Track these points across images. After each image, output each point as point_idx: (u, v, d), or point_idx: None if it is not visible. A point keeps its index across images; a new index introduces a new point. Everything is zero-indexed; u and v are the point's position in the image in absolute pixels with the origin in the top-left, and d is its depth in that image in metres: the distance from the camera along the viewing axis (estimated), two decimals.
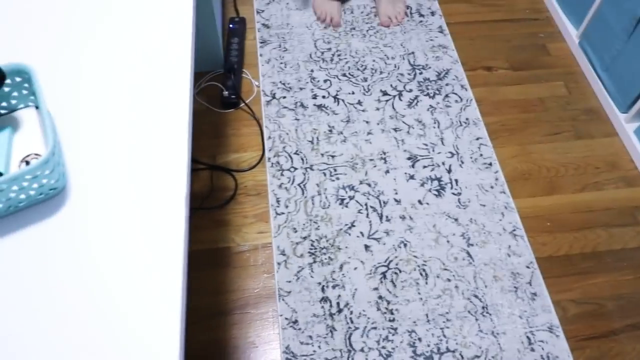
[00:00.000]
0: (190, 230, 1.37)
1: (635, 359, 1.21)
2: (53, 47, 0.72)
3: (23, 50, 0.71)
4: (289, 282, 1.29)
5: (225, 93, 1.57)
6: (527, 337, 1.21)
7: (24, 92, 0.62)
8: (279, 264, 1.32)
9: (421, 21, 1.81)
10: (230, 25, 1.72)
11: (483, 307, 1.25)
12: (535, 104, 1.64)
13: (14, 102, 0.63)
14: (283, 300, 1.27)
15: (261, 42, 1.74)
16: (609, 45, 1.56)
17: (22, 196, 0.55)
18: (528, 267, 1.31)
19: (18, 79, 0.61)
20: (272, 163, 1.47)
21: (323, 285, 1.28)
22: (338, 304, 1.26)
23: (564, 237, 1.38)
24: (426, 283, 1.29)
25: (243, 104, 1.58)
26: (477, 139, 1.53)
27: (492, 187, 1.43)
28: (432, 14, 1.84)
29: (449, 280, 1.29)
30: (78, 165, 0.61)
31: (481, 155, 1.49)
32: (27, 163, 0.59)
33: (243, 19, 1.76)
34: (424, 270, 1.30)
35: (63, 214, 0.57)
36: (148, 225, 0.57)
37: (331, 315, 1.24)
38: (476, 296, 1.27)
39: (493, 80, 1.69)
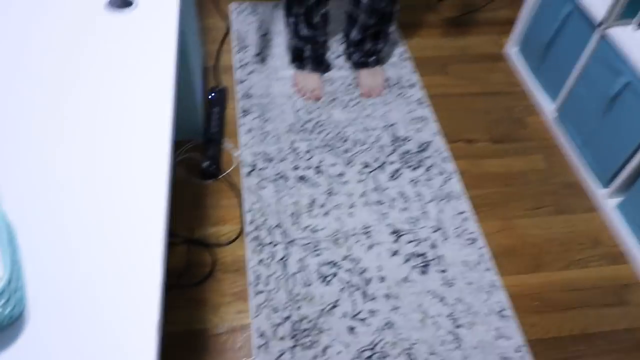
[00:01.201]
0: (165, 310, 1.28)
1: None
2: (9, 144, 0.66)
3: None
4: None
5: (205, 163, 1.52)
6: None
7: None
8: (258, 347, 1.23)
9: (400, 93, 1.83)
10: (211, 95, 1.69)
11: None
12: (516, 178, 1.64)
13: None
14: None
15: (242, 112, 1.71)
16: (585, 121, 1.58)
17: None
18: (517, 351, 1.25)
19: None
20: (252, 237, 1.41)
21: None
22: None
23: (552, 318, 1.33)
24: None
25: (223, 175, 1.53)
26: (460, 213, 1.50)
27: (477, 263, 1.39)
28: (412, 86, 1.86)
29: None
30: (41, 282, 0.54)
31: (465, 230, 1.46)
32: None
33: (224, 89, 1.74)
34: (410, 354, 1.23)
35: (20, 345, 0.50)
36: (117, 346, 0.51)
37: None
38: None
39: (474, 153, 1.69)
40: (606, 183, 1.53)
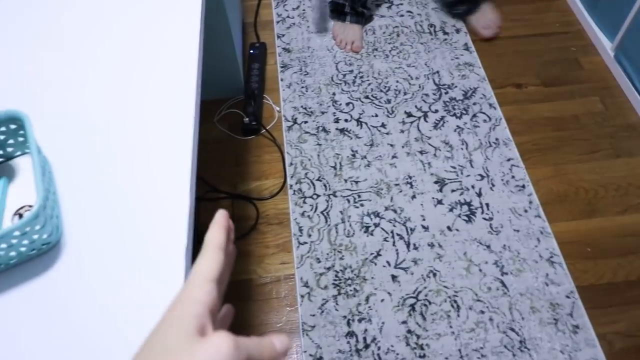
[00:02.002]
0: None
1: None
2: (49, 89, 0.68)
3: (19, 96, 0.67)
4: (313, 315, 1.22)
5: (246, 120, 1.53)
6: None
7: (20, 139, 0.59)
8: (302, 296, 1.25)
9: (445, 39, 1.74)
10: (251, 51, 1.68)
11: (520, 342, 1.16)
12: (570, 122, 1.54)
13: (10, 149, 0.59)
14: (307, 335, 1.20)
15: (282, 67, 1.69)
16: None
17: (13, 253, 0.50)
18: (568, 296, 1.21)
19: (13, 126, 0.57)
20: (294, 190, 1.42)
21: (349, 319, 1.21)
22: (365, 338, 1.19)
23: (606, 264, 1.27)
24: (458, 315, 1.20)
25: (264, 131, 1.54)
26: (508, 160, 1.44)
27: (525, 210, 1.34)
28: (457, 31, 1.77)
29: (482, 312, 1.20)
30: (77, 214, 0.56)
31: (513, 177, 1.40)
32: (21, 216, 0.55)
33: (264, 44, 1.72)
34: (455, 301, 1.22)
35: (57, 269, 0.53)
36: (148, 275, 0.52)
37: (357, 351, 1.17)
38: (512, 329, 1.17)
39: (523, 98, 1.60)
40: None
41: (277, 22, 1.82)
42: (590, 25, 1.73)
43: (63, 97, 0.67)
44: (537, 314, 1.19)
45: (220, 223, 0.40)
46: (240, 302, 1.25)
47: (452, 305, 1.21)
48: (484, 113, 1.54)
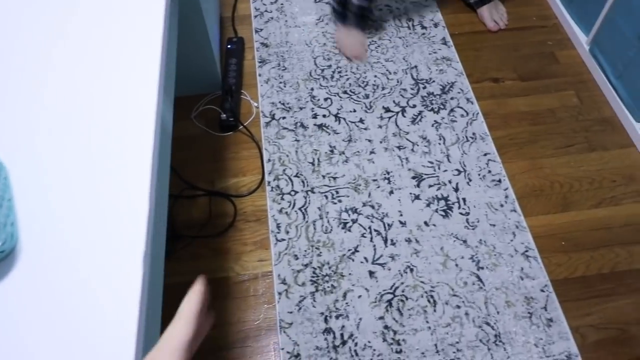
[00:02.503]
0: (189, 260, 1.29)
1: None
2: (4, 91, 0.65)
3: None
4: (291, 312, 1.21)
5: (223, 116, 1.50)
6: None
7: None
8: (279, 293, 1.24)
9: (424, 33, 1.73)
10: (228, 46, 1.65)
11: (496, 336, 1.16)
12: (546, 116, 1.54)
13: None
14: (284, 332, 1.19)
15: (260, 62, 1.67)
16: (621, 52, 1.46)
17: None
18: (543, 290, 1.21)
19: None
20: (272, 187, 1.40)
21: (326, 316, 1.20)
22: (342, 335, 1.18)
23: (580, 257, 1.28)
24: (434, 310, 1.20)
25: (242, 127, 1.51)
26: (485, 154, 1.44)
27: (501, 205, 1.34)
28: (435, 25, 1.76)
29: (458, 307, 1.20)
30: (36, 220, 0.54)
31: (489, 171, 1.40)
32: None
33: (241, 39, 1.69)
34: (431, 296, 1.22)
35: (12, 279, 0.51)
36: (104, 281, 0.50)
37: (335, 347, 1.16)
38: (488, 323, 1.18)
39: (500, 92, 1.60)
40: None
41: (255, 16, 1.79)
42: (566, 19, 1.73)
43: (21, 99, 0.64)
44: (512, 308, 1.19)
45: (197, 291, 0.40)
46: (217, 301, 1.23)
47: (429, 301, 1.21)
48: (461, 108, 1.54)
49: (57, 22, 0.74)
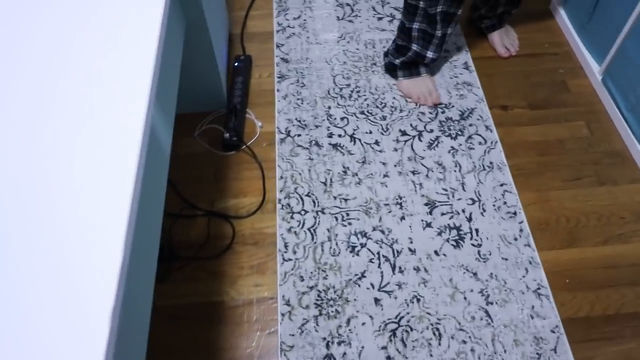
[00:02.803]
0: (184, 282, 1.11)
1: None
2: None
3: None
4: (292, 335, 1.03)
5: (226, 135, 1.29)
6: None
7: None
8: (282, 314, 1.05)
9: (445, 57, 1.51)
10: (235, 64, 1.44)
11: None
12: (555, 146, 1.32)
13: None
14: (285, 355, 1.00)
15: (279, 77, 1.46)
16: (634, 84, 1.24)
17: None
18: (553, 331, 1.01)
19: None
20: (283, 205, 1.20)
21: (328, 341, 1.02)
22: None
23: (584, 297, 1.07)
24: (439, 344, 1.01)
25: (244, 146, 1.31)
26: (501, 185, 1.23)
27: (515, 239, 1.14)
28: (458, 49, 1.53)
29: (464, 342, 1.01)
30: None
31: (505, 203, 1.19)
32: None
33: (249, 57, 1.47)
34: (437, 329, 1.02)
35: None
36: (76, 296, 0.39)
37: None
38: None
39: (509, 120, 1.37)
40: None
41: (278, 31, 1.58)
42: (579, 47, 1.50)
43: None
44: (520, 347, 1.00)
45: None
46: (211, 325, 1.05)
47: (434, 333, 1.02)
48: (479, 135, 1.33)
49: (49, 31, 0.56)
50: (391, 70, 1.43)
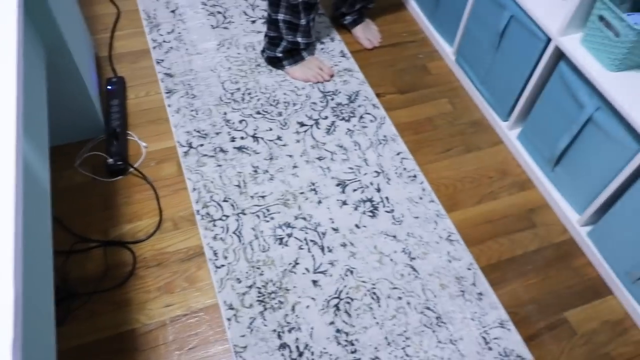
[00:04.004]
0: (88, 319, 1.06)
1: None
2: None
3: None
4: (243, 336, 1.04)
5: (110, 160, 1.26)
6: (483, 338, 1.09)
7: None
8: (228, 319, 1.06)
9: (322, 48, 1.64)
10: (108, 87, 1.41)
11: (437, 318, 1.11)
12: (425, 124, 1.50)
13: None
14: (240, 357, 1.01)
15: (167, 92, 1.46)
16: (481, 60, 1.51)
17: None
18: (469, 268, 1.19)
19: None
20: (202, 215, 1.21)
21: (279, 332, 1.05)
22: (297, 347, 1.04)
23: (470, 252, 1.21)
24: (379, 306, 1.11)
25: (132, 169, 1.29)
26: (398, 154, 1.39)
27: (421, 198, 1.30)
28: (332, 39, 1.68)
29: (399, 298, 1.13)
30: None
31: (405, 169, 1.36)
32: None
33: (121, 78, 1.45)
34: (374, 293, 1.13)
35: None
36: None
37: None
38: (428, 308, 1.12)
39: (384, 106, 1.53)
40: (506, 116, 1.45)
41: (154, 47, 1.57)
42: (432, 33, 1.74)
43: None
44: (447, 290, 1.15)
45: None
46: (125, 357, 1.01)
47: (372, 298, 1.12)
48: (369, 114, 1.48)
49: None
50: (275, 62, 1.53)
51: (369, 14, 1.75)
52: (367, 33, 1.71)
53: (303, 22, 1.41)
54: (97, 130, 1.32)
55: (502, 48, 1.39)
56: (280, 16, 1.40)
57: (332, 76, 1.53)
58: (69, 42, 1.10)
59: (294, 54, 1.52)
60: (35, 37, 1.01)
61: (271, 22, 1.44)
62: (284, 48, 1.48)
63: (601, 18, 1.08)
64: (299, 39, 1.46)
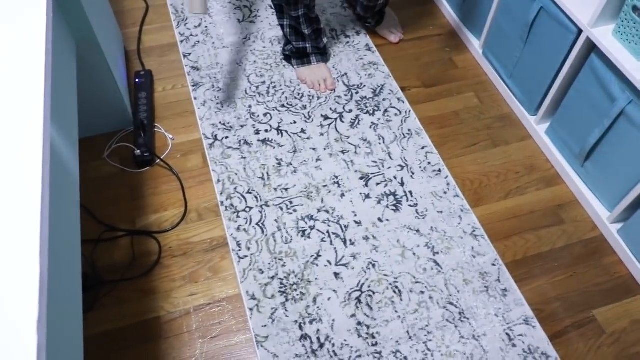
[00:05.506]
0: (115, 305, 1.10)
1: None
2: None
3: None
4: (265, 326, 1.07)
5: (138, 152, 1.31)
6: (507, 334, 1.09)
7: None
8: (250, 309, 1.09)
9: (348, 42, 1.67)
10: (136, 80, 1.46)
11: (460, 313, 1.11)
12: (451, 118, 1.50)
13: None
14: (262, 346, 1.05)
15: (193, 85, 1.50)
16: (509, 53, 1.51)
17: None
18: (494, 264, 1.19)
19: None
20: (226, 207, 1.24)
21: (300, 323, 1.08)
22: (318, 338, 1.06)
23: (495, 248, 1.21)
24: (401, 300, 1.13)
25: (158, 160, 1.33)
26: (423, 147, 1.40)
27: (445, 192, 1.31)
28: (357, 33, 1.70)
29: (422, 292, 1.14)
30: None
31: (429, 163, 1.37)
32: None
33: (149, 72, 1.50)
34: (396, 287, 1.14)
35: None
36: None
37: (314, 352, 1.04)
38: (451, 303, 1.13)
39: (409, 100, 1.54)
40: (534, 111, 1.44)
41: (181, 41, 1.62)
42: (459, 26, 1.74)
43: None
44: (470, 285, 1.16)
45: None
46: (149, 343, 1.05)
47: (394, 291, 1.14)
48: (394, 107, 1.49)
49: None
50: (288, 59, 1.57)
51: (391, 4, 1.75)
52: (392, 28, 1.71)
53: (307, 31, 1.44)
54: (126, 123, 1.37)
55: (531, 40, 1.38)
56: (285, 22, 1.44)
57: (332, 90, 1.53)
58: (99, 36, 1.15)
59: (302, 56, 1.54)
60: (67, 32, 1.05)
61: (279, 25, 1.49)
62: (292, 49, 1.52)
63: (635, 8, 1.06)
64: (307, 45, 1.49)
